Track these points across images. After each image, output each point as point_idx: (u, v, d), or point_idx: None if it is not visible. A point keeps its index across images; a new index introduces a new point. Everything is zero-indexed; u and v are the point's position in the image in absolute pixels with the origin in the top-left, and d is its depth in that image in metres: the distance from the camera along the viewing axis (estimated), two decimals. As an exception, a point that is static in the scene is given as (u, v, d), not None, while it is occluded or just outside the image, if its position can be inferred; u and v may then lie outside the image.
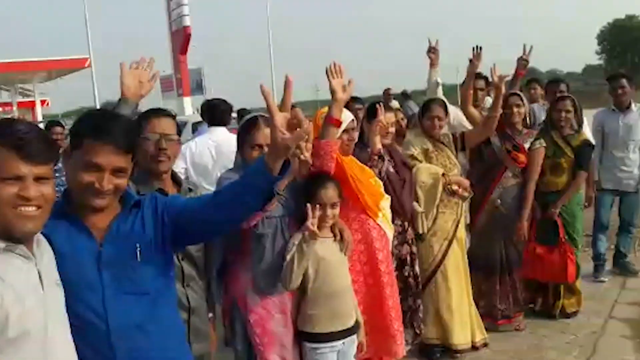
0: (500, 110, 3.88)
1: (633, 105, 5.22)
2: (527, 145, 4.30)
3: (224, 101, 4.61)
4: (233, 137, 2.78)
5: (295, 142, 1.48)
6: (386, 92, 11.48)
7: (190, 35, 20.70)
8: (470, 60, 4.24)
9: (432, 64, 4.47)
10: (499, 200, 4.19)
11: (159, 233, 1.67)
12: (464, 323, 3.82)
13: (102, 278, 1.59)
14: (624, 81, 5.23)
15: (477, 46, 4.26)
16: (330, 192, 2.46)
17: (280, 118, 1.50)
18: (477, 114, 4.39)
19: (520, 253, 4.31)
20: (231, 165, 2.69)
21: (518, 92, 4.47)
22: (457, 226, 3.79)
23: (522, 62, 4.77)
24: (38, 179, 1.42)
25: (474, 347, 3.89)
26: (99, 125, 1.60)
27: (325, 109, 2.72)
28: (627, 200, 5.27)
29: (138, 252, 1.62)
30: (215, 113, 4.47)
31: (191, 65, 29.08)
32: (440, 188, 3.60)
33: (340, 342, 2.48)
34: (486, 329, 4.01)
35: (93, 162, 1.56)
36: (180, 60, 21.07)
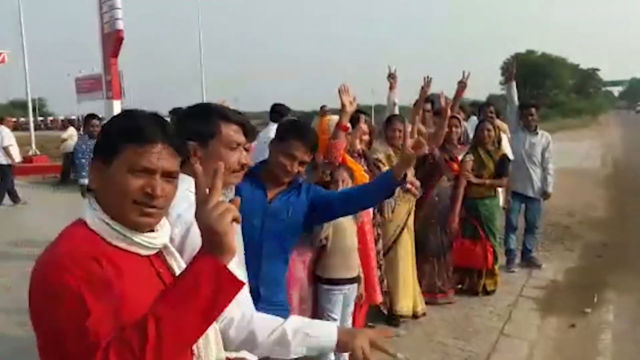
0: (446, 129, 4.88)
1: (539, 129, 6.49)
2: (460, 157, 5.42)
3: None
4: None
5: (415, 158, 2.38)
6: (322, 108, 12.50)
7: (122, 38, 20.48)
8: (422, 88, 5.24)
9: (391, 87, 5.44)
10: (436, 198, 5.22)
11: None
12: (408, 295, 4.76)
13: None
14: (533, 110, 6.50)
15: (427, 76, 5.28)
16: (344, 174, 3.33)
17: (410, 142, 2.38)
18: (424, 129, 5.41)
19: (451, 241, 5.36)
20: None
21: (457, 115, 5.55)
22: (408, 216, 4.75)
23: (462, 85, 5.82)
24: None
25: (415, 316, 4.84)
26: None
27: (328, 117, 3.60)
28: (531, 206, 6.48)
29: None
30: None
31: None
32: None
33: (347, 287, 3.35)
34: (427, 303, 4.98)
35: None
36: (112, 62, 20.85)
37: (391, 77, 5.43)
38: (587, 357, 4.21)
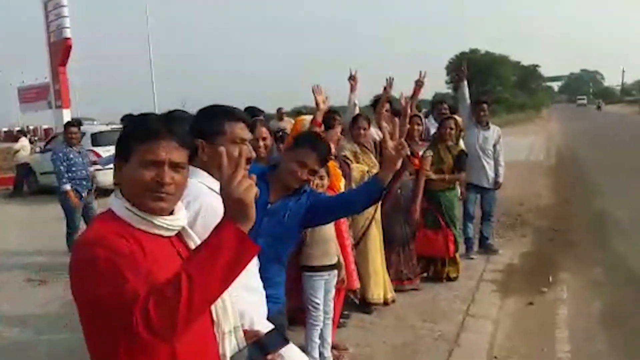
0: (407, 126, 5.18)
1: (491, 124, 6.92)
2: (420, 153, 5.75)
3: None
4: None
5: (400, 159, 2.51)
6: (279, 110, 12.77)
7: (70, 47, 20.33)
8: (385, 88, 5.53)
9: (352, 89, 5.71)
10: (399, 191, 5.53)
11: None
12: (378, 284, 5.03)
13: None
14: (485, 106, 6.91)
15: (389, 77, 5.58)
16: (322, 171, 3.57)
17: (392, 144, 2.51)
18: (388, 128, 5.71)
19: (415, 232, 5.68)
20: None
21: (419, 113, 5.89)
22: (375, 210, 5.02)
23: (419, 83, 6.14)
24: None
25: (386, 303, 5.12)
26: None
27: (302, 117, 3.84)
28: (486, 196, 6.89)
29: None
30: None
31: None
32: (365, 179, 4.81)
33: (327, 273, 3.59)
34: (395, 290, 5.27)
35: None
36: (60, 72, 20.56)
37: (352, 79, 5.70)
38: (545, 330, 4.57)
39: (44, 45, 21.31)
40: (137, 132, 1.60)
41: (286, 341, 1.79)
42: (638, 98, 78.36)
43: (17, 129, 27.30)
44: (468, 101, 6.98)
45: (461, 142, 6.13)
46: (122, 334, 1.40)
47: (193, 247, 1.66)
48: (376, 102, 5.78)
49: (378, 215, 4.99)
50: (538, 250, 6.96)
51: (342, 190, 4.07)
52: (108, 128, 12.83)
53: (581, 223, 8.22)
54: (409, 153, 5.54)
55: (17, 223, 10.10)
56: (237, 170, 1.44)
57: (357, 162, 4.87)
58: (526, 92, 65.77)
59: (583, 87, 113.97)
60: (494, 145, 6.82)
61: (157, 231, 1.58)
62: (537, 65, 76.60)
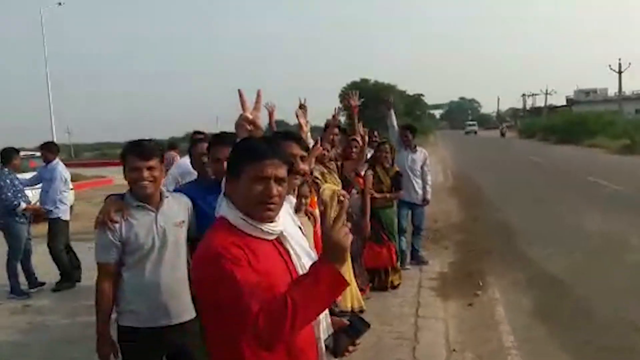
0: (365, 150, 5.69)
1: (418, 147, 7.64)
2: (362, 173, 6.29)
3: None
4: None
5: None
6: (195, 133, 12.87)
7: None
8: (333, 116, 5.99)
9: (303, 116, 6.10)
10: (350, 208, 6.00)
11: None
12: (346, 294, 5.43)
13: None
14: (408, 132, 7.63)
15: (337, 107, 6.05)
16: (306, 190, 3.93)
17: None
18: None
19: (363, 246, 6.17)
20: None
21: (356, 137, 6.41)
22: None
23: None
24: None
25: (352, 311, 5.50)
26: None
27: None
28: (416, 212, 7.57)
29: None
30: None
31: None
32: (335, 198, 5.21)
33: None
34: (349, 299, 5.70)
35: None
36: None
37: (302, 107, 6.07)
38: (488, 326, 5.22)
39: None
40: (247, 153, 1.90)
41: (368, 326, 2.10)
42: (512, 124, 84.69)
43: None
44: (396, 127, 7.67)
45: (395, 165, 6.77)
46: (242, 334, 1.74)
47: (289, 247, 2.00)
48: (326, 127, 6.26)
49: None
50: (462, 259, 7.72)
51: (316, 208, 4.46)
52: (28, 154, 12.40)
53: (492, 235, 9.15)
54: (355, 173, 6.17)
55: None
56: (338, 218, 1.79)
57: (326, 182, 5.28)
58: (412, 120, 69.49)
59: (462, 114, 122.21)
60: (422, 166, 7.54)
61: (263, 236, 1.91)
62: (421, 94, 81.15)
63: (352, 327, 2.07)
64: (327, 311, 2.10)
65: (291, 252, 1.99)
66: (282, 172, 1.90)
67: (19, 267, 7.01)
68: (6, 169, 6.94)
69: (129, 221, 2.83)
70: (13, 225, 6.87)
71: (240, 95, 2.34)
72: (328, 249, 1.75)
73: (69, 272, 7.23)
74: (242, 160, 1.89)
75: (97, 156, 44.56)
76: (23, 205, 6.79)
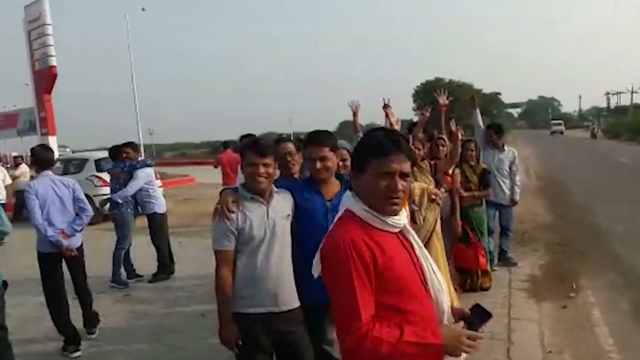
0: (459, 149, 5.62)
1: (505, 146, 7.48)
2: (450, 171, 6.23)
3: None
4: None
5: None
6: (280, 136, 13.18)
7: (56, 75, 20.39)
8: (422, 113, 6.00)
9: (387, 115, 6.12)
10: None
11: None
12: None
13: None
14: (492, 131, 7.48)
15: (425, 104, 6.06)
16: None
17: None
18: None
19: (452, 245, 6.13)
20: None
21: (442, 136, 6.37)
22: (435, 223, 5.33)
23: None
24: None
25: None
26: None
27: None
28: (504, 212, 7.42)
29: None
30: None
31: (22, 105, 28.09)
32: (425, 196, 5.21)
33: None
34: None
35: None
36: (45, 99, 20.59)
37: (387, 107, 6.07)
38: (585, 328, 5.06)
39: (28, 73, 21.32)
40: (373, 149, 1.95)
41: (490, 315, 2.12)
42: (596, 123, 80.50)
43: (14, 155, 26.87)
44: (482, 126, 7.56)
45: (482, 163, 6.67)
46: (347, 329, 1.85)
47: (412, 240, 2.06)
48: (412, 126, 6.25)
49: (438, 229, 5.29)
50: (553, 261, 7.49)
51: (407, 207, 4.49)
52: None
53: (582, 236, 8.82)
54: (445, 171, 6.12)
55: (25, 247, 10.14)
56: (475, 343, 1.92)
57: (416, 181, 5.29)
58: (489, 119, 67.73)
59: (542, 113, 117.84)
60: (510, 166, 7.38)
61: (388, 228, 1.98)
62: (498, 93, 79.04)
63: (474, 317, 2.06)
64: (448, 299, 2.14)
65: (415, 245, 2.05)
66: (407, 167, 1.95)
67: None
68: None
69: (244, 212, 2.99)
70: (123, 215, 7.37)
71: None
72: (449, 340, 1.85)
73: (166, 264, 7.62)
74: (368, 155, 1.95)
75: (177, 156, 46.23)
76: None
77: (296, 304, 3.08)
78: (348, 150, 3.83)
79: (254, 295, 2.99)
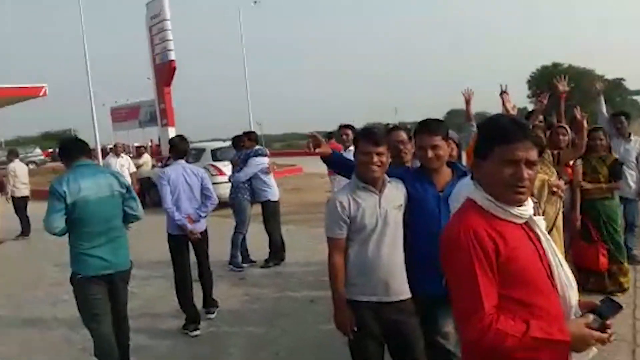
0: (585, 139, 5.23)
1: (632, 135, 6.96)
2: (571, 163, 5.87)
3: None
4: None
5: None
6: (387, 125, 13.11)
7: (175, 68, 21.64)
8: (539, 101, 5.70)
9: (504, 103, 5.88)
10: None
11: None
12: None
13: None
14: (622, 118, 6.98)
15: (542, 91, 5.75)
16: None
17: None
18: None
19: (571, 241, 5.79)
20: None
21: (564, 125, 6.01)
22: (556, 217, 5.00)
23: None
24: None
25: None
26: None
27: None
28: (629, 207, 6.91)
29: None
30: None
31: (144, 97, 29.94)
32: (546, 188, 4.95)
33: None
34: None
35: None
36: (165, 92, 21.93)
37: (504, 93, 5.81)
38: None
39: (150, 67, 22.79)
40: (497, 136, 1.87)
41: (620, 307, 2.01)
42: None
43: (136, 144, 28.98)
44: (606, 114, 7.08)
45: (613, 152, 6.23)
46: (467, 320, 1.81)
47: (539, 232, 1.96)
48: (529, 115, 5.98)
49: (560, 223, 5.02)
50: (684, 261, 6.89)
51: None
52: (226, 144, 13.60)
53: None
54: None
55: (152, 231, 10.85)
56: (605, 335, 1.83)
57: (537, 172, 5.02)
58: (612, 107, 63.20)
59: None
60: (637, 157, 6.86)
61: (512, 219, 1.89)
62: (622, 79, 73.60)
63: (603, 309, 1.94)
64: (576, 295, 2.04)
65: (542, 236, 1.96)
66: (533, 154, 1.85)
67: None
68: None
69: (356, 201, 3.01)
70: (240, 202, 7.74)
71: None
72: (575, 340, 1.77)
73: (278, 251, 7.89)
74: (491, 142, 1.87)
75: (284, 147, 47.42)
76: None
77: (408, 294, 3.07)
78: (454, 141, 3.73)
79: (365, 284, 3.01)
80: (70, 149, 4.19)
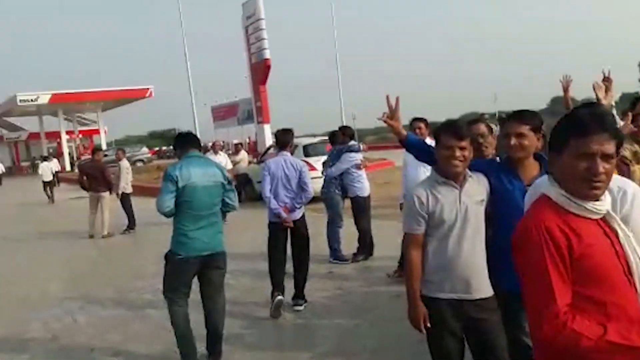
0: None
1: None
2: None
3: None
4: None
5: None
6: (482, 115, 12.81)
7: (270, 67, 22.28)
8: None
9: (606, 90, 5.56)
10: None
11: None
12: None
13: None
14: None
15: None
16: None
17: None
18: None
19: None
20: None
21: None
22: None
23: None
24: None
25: None
26: None
27: None
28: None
29: None
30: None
31: (242, 96, 30.86)
32: None
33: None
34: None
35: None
36: (261, 90, 22.64)
37: (607, 80, 5.42)
38: None
39: (246, 66, 23.61)
40: (572, 128, 1.83)
41: None
42: None
43: (235, 142, 30.25)
44: None
45: None
46: (539, 320, 1.79)
47: (618, 229, 1.91)
48: (637, 100, 5.64)
49: None
50: None
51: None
52: (317, 140, 13.89)
53: None
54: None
55: (248, 226, 11.33)
56: None
57: (638, 164, 4.77)
58: None
59: None
60: None
61: (587, 214, 1.85)
62: None
63: None
64: None
65: (620, 233, 1.90)
66: (610, 148, 1.79)
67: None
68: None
69: (435, 195, 2.97)
70: (332, 196, 7.98)
71: None
72: None
73: (367, 246, 8.00)
74: (566, 134, 1.84)
75: (378, 140, 47.27)
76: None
77: (490, 292, 3.01)
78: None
79: (444, 281, 2.98)
80: (184, 142, 4.73)
